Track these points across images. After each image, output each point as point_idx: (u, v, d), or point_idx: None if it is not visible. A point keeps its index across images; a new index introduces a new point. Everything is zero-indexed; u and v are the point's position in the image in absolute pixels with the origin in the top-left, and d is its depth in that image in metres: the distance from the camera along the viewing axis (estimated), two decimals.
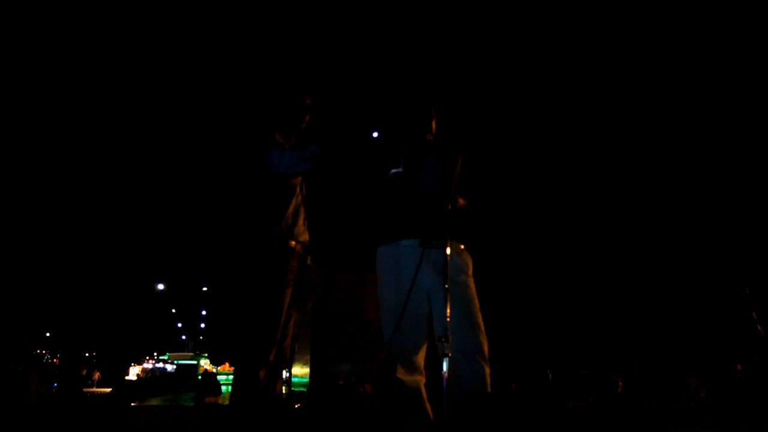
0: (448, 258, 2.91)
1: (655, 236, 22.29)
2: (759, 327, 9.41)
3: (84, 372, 26.08)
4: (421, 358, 3.23)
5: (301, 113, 3.61)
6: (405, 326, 3.11)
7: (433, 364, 3.20)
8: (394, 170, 3.22)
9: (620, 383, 16.91)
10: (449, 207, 3.01)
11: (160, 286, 48.68)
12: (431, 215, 3.14)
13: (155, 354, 58.61)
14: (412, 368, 3.19)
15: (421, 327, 3.19)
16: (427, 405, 3.21)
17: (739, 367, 10.29)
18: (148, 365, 51.58)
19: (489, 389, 3.08)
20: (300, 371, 17.25)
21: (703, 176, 20.81)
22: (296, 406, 14.59)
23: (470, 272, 3.27)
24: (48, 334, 44.91)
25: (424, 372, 3.25)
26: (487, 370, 3.10)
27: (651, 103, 20.93)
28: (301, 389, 15.54)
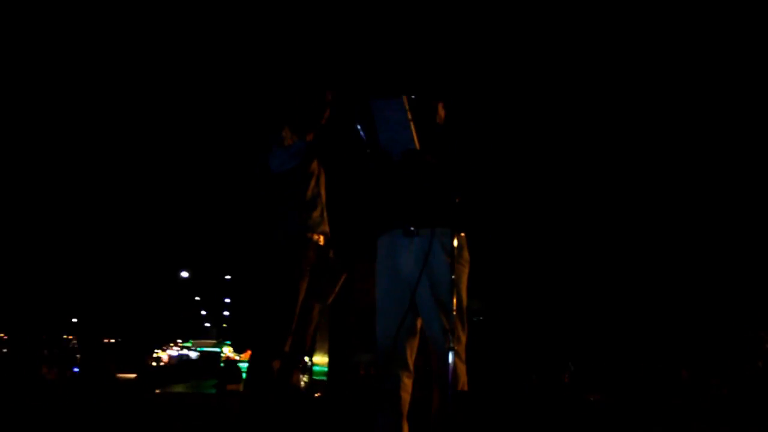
0: (430, 246, 2.89)
1: (686, 224, 22.05)
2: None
3: (113, 368, 26.36)
4: (407, 354, 3.18)
5: (321, 108, 3.58)
6: (389, 319, 3.09)
7: (423, 359, 3.19)
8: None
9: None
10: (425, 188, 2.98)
11: (184, 274, 49.22)
12: (410, 201, 3.13)
13: (179, 341, 59.24)
14: (395, 364, 3.14)
15: (407, 320, 3.14)
16: (404, 403, 3.15)
17: (760, 363, 10.25)
18: (172, 352, 52.13)
19: (465, 387, 3.03)
20: (321, 360, 17.32)
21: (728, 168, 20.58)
22: (316, 395, 14.69)
23: (461, 256, 3.18)
24: (74, 320, 45.55)
25: (410, 368, 3.19)
26: (462, 367, 3.05)
27: (653, 100, 20.75)
28: (322, 378, 15.62)
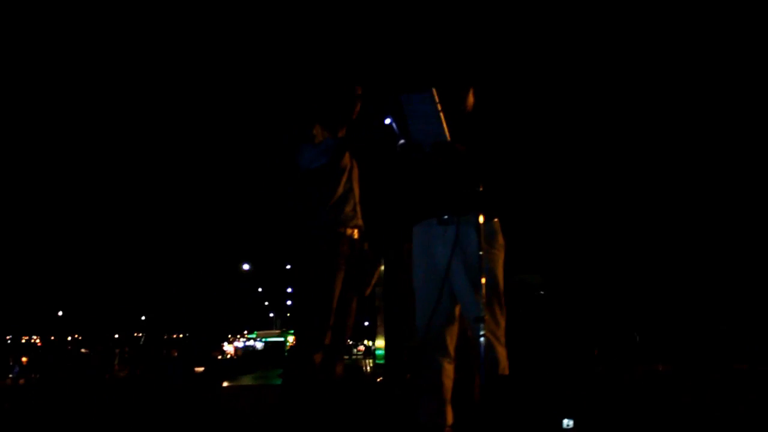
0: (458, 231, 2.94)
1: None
2: None
3: (175, 354, 27.13)
4: (447, 340, 3.21)
5: (351, 103, 3.60)
6: (428, 308, 3.13)
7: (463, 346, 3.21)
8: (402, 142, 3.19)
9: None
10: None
11: (246, 267, 50.05)
12: (443, 190, 3.15)
13: (245, 332, 60.31)
14: (436, 351, 3.18)
15: (445, 309, 3.17)
16: (446, 389, 3.18)
17: None
18: (238, 344, 53.15)
19: (506, 371, 3.04)
20: (383, 344, 17.46)
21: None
22: (378, 380, 14.81)
23: (495, 244, 3.20)
24: (143, 318, 46.96)
25: (451, 354, 3.23)
26: (502, 351, 3.06)
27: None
28: (381, 362, 15.74)
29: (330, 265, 3.34)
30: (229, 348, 49.35)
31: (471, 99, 3.35)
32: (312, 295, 3.33)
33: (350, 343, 63.19)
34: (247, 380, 22.55)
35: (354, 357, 44.14)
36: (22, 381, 22.97)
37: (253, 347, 47.03)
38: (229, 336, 55.93)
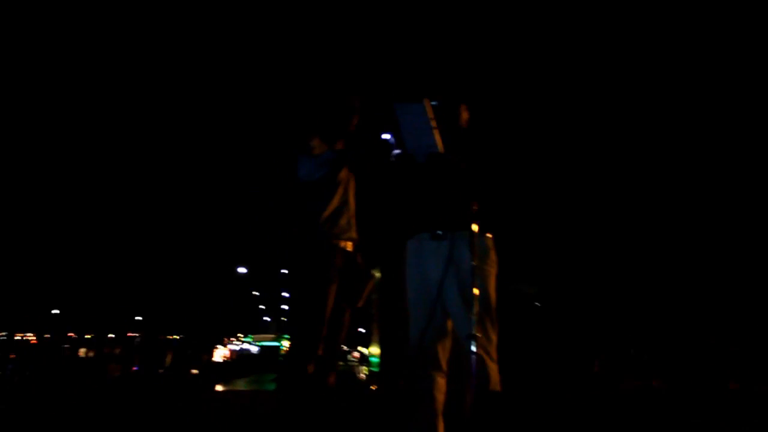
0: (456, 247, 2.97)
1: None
2: None
3: (169, 358, 27.11)
4: (439, 354, 3.23)
5: (348, 116, 3.64)
6: (421, 322, 3.15)
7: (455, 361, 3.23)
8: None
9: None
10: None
11: (242, 270, 50.03)
12: (437, 205, 3.18)
13: (240, 335, 60.26)
14: (428, 365, 3.20)
15: (438, 323, 3.19)
16: (438, 403, 3.20)
17: None
18: (234, 347, 53.10)
19: (497, 387, 3.06)
20: (378, 351, 17.51)
21: None
22: (372, 388, 14.85)
23: (487, 260, 3.22)
24: (139, 318, 46.82)
25: (443, 369, 3.24)
26: (493, 366, 3.08)
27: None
28: (376, 369, 15.80)
29: (324, 276, 3.38)
30: (224, 351, 49.29)
31: (465, 114, 3.39)
32: (306, 306, 3.37)
33: (345, 349, 63.11)
34: (241, 384, 22.54)
35: (349, 364, 44.17)
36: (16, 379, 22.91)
37: (247, 350, 47.02)
38: (225, 339, 55.83)
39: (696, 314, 21.81)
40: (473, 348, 2.79)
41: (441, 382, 3.21)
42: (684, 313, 22.17)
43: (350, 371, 30.51)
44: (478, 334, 2.95)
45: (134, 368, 26.20)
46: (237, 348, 52.43)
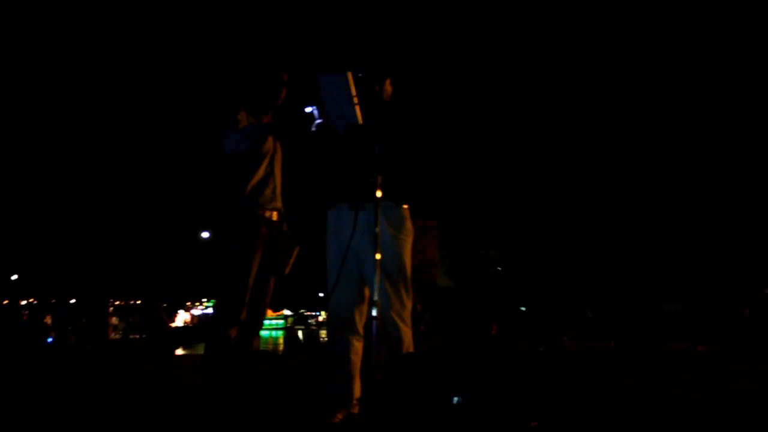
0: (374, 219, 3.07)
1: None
2: None
3: (132, 320, 26.91)
4: (355, 319, 3.38)
5: (277, 89, 3.72)
6: (340, 288, 3.30)
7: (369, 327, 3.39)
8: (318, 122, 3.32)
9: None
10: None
11: (205, 234, 49.72)
12: (352, 176, 3.30)
13: (203, 300, 60.06)
14: (344, 328, 3.36)
15: (354, 289, 3.35)
16: (356, 365, 3.37)
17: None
18: (196, 311, 53.01)
19: (410, 349, 3.23)
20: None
21: None
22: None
23: (403, 229, 3.35)
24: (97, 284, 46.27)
25: (359, 332, 3.41)
26: (406, 330, 3.25)
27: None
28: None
29: (247, 245, 3.50)
30: (185, 316, 49.20)
31: (389, 88, 3.49)
32: (229, 274, 3.49)
33: (307, 313, 63.46)
34: (201, 348, 22.54)
35: (311, 328, 44.48)
36: None
37: (209, 315, 46.90)
38: (187, 303, 55.64)
39: (658, 277, 22.35)
40: (374, 313, 2.96)
41: (357, 345, 3.39)
42: (645, 276, 22.70)
43: (312, 336, 30.72)
44: (395, 301, 3.13)
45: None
46: (199, 313, 52.35)
